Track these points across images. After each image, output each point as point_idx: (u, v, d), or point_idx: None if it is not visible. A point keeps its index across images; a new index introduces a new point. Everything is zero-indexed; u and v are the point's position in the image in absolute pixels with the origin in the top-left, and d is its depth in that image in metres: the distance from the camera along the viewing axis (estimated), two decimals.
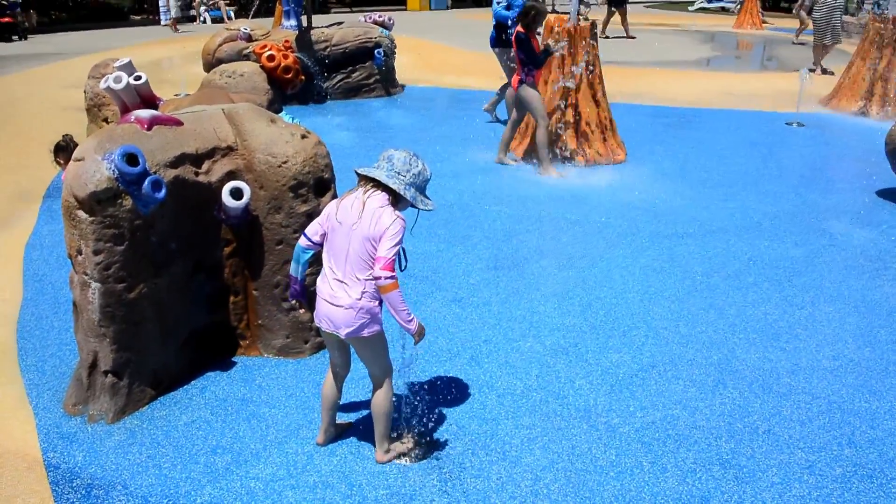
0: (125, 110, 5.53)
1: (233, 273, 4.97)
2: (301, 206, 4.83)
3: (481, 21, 27.25)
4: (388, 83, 13.98)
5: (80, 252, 4.26)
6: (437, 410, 4.51)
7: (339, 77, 13.35)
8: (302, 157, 4.84)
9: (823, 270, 6.60)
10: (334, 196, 5.01)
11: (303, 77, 12.03)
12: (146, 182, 4.23)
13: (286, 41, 12.32)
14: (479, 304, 5.80)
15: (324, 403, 4.14)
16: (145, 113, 4.69)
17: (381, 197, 3.69)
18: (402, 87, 14.39)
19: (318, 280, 3.85)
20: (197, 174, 4.67)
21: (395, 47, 14.12)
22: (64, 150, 6.67)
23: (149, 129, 4.57)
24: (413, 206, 3.74)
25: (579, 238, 7.09)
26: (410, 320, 3.70)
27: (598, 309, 5.76)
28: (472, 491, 3.86)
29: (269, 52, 11.37)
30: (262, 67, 11.39)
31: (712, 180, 9.08)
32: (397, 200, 3.73)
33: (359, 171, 3.77)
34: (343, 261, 3.72)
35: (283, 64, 11.42)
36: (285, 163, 4.79)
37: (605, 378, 4.87)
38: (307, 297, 4.16)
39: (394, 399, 4.04)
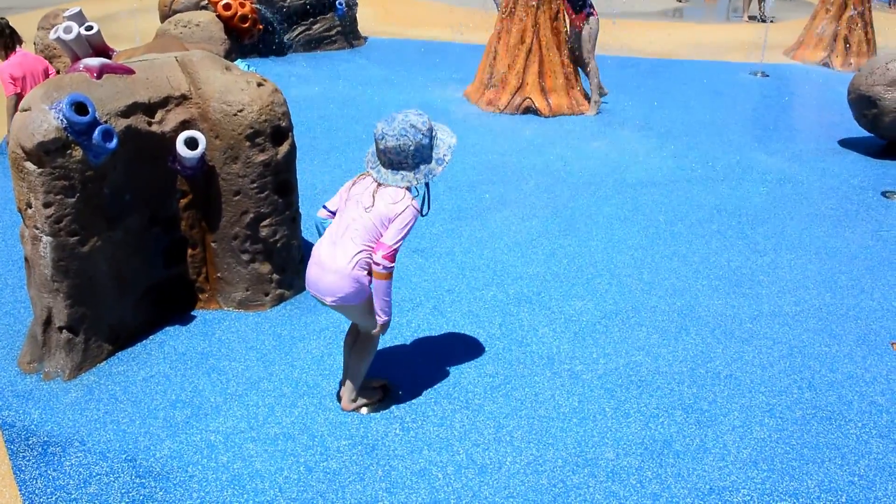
0: (76, 62, 5.36)
1: (190, 225, 4.87)
2: (258, 155, 4.72)
3: None
4: (350, 35, 13.73)
5: (29, 205, 4.14)
6: (399, 360, 4.47)
7: (299, 29, 13.08)
8: (258, 106, 4.71)
9: (786, 218, 6.62)
10: (292, 145, 4.91)
11: (260, 27, 11.74)
12: (96, 132, 4.10)
13: None
14: (441, 255, 5.75)
15: (345, 359, 4.07)
16: (94, 61, 4.53)
17: (393, 191, 3.56)
18: (365, 39, 14.14)
19: (320, 244, 3.73)
20: (150, 124, 4.54)
21: None
22: None
23: (98, 77, 4.42)
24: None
25: (543, 188, 7.04)
26: (388, 312, 3.69)
27: (561, 258, 5.73)
28: (435, 439, 3.84)
29: (225, 1, 11.06)
30: (219, 16, 11.09)
31: (677, 130, 9.05)
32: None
33: (371, 174, 3.65)
34: (345, 227, 3.63)
35: (239, 13, 11.12)
36: (241, 111, 4.67)
37: (569, 326, 4.86)
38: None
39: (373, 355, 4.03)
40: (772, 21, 16.53)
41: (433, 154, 3.62)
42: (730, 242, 6.09)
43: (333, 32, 13.46)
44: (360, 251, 3.58)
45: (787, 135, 9.19)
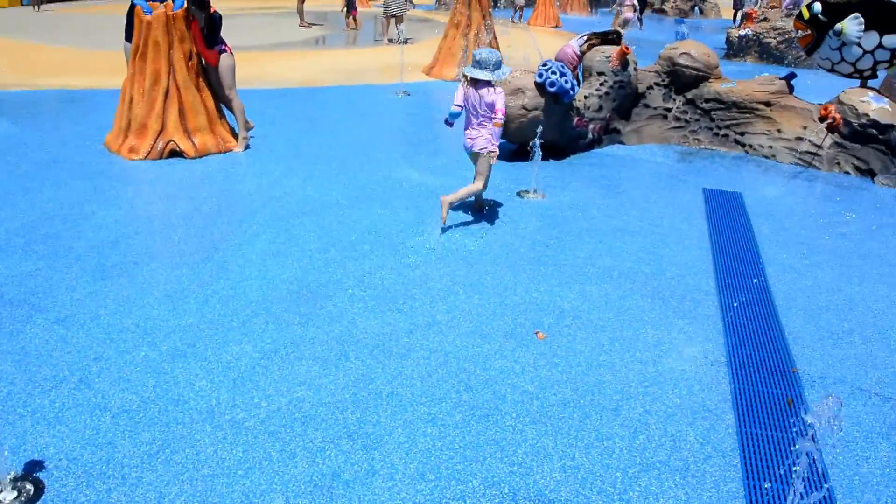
0: None
1: None
2: None
3: (77, 15, 25.39)
4: None
5: None
6: (43, 445, 4.04)
7: None
8: None
9: (434, 229, 6.93)
10: None
11: None
12: None
13: None
14: (86, 321, 5.31)
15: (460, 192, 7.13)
16: None
17: (487, 89, 6.83)
18: None
19: (465, 127, 7.08)
20: None
21: None
22: None
23: None
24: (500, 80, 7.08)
25: (192, 233, 6.78)
26: (496, 146, 6.98)
27: (215, 304, 5.53)
28: None
29: None
30: None
31: (325, 155, 9.18)
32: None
33: (466, 73, 6.89)
34: (478, 118, 6.93)
35: None
36: None
37: (227, 373, 4.68)
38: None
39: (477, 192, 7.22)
40: (408, 42, 17.39)
41: (502, 70, 6.89)
42: (382, 261, 6.24)
43: None
44: (488, 127, 6.90)
45: (430, 149, 9.67)
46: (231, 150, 9.30)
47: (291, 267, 6.10)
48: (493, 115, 6.76)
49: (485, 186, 7.21)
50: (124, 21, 9.98)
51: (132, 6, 9.42)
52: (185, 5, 9.22)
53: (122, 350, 4.95)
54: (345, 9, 22.65)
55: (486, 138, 6.88)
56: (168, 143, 9.02)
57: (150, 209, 7.42)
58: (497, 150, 6.91)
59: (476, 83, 6.84)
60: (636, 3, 23.33)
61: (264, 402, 4.41)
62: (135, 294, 5.67)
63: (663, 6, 33.58)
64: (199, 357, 4.86)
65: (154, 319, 5.32)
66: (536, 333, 5.23)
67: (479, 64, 6.81)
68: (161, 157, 8.95)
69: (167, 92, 9.06)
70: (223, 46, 9.27)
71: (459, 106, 6.98)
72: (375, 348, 4.97)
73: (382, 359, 4.86)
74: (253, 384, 4.58)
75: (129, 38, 9.61)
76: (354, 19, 22.53)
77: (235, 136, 9.49)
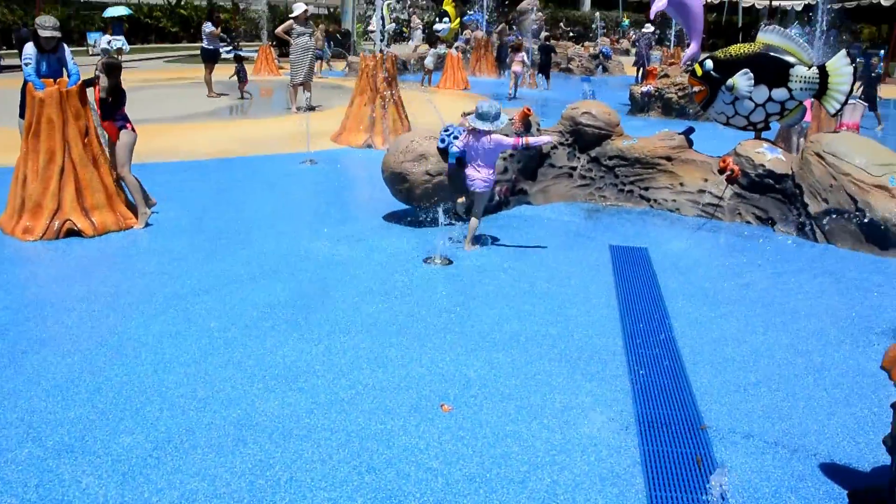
0: None
1: None
2: None
3: None
4: None
5: None
6: None
7: None
8: None
9: (338, 301, 6.79)
10: None
11: None
12: None
13: None
14: None
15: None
16: None
17: (487, 138, 8.01)
18: None
19: (468, 169, 8.26)
20: None
21: None
22: None
23: None
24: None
25: (87, 317, 6.49)
26: (539, 141, 8.44)
27: (107, 392, 5.25)
28: None
29: None
30: None
31: (230, 229, 8.99)
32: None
33: (469, 122, 8.11)
34: (478, 161, 8.13)
35: None
36: None
37: (117, 468, 4.42)
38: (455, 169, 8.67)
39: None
40: (315, 109, 17.34)
41: (501, 119, 7.99)
42: (283, 338, 6.06)
43: None
44: (488, 169, 8.19)
45: (337, 218, 9.56)
46: (132, 228, 9.03)
47: (189, 349, 5.87)
48: (514, 148, 8.30)
49: (478, 219, 8.43)
50: (19, 97, 9.76)
51: (25, 82, 9.22)
52: (80, 81, 9.04)
53: (4, 448, 4.65)
54: (234, 76, 22.14)
55: (483, 179, 8.15)
56: (65, 222, 8.71)
57: (43, 293, 7.10)
58: (539, 141, 8.50)
59: (476, 131, 8.00)
60: (525, 58, 23.91)
61: (155, 497, 4.17)
62: (21, 386, 5.37)
63: (569, 66, 34.42)
64: (88, 451, 4.59)
65: (41, 412, 5.03)
66: (442, 406, 5.12)
67: (480, 116, 7.94)
68: (58, 237, 8.63)
69: (62, 170, 8.78)
70: (125, 123, 9.08)
71: (460, 149, 8.39)
72: (274, 431, 4.78)
73: (281, 442, 4.67)
74: (144, 478, 4.33)
75: (23, 114, 9.37)
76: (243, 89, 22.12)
77: (136, 212, 9.24)
